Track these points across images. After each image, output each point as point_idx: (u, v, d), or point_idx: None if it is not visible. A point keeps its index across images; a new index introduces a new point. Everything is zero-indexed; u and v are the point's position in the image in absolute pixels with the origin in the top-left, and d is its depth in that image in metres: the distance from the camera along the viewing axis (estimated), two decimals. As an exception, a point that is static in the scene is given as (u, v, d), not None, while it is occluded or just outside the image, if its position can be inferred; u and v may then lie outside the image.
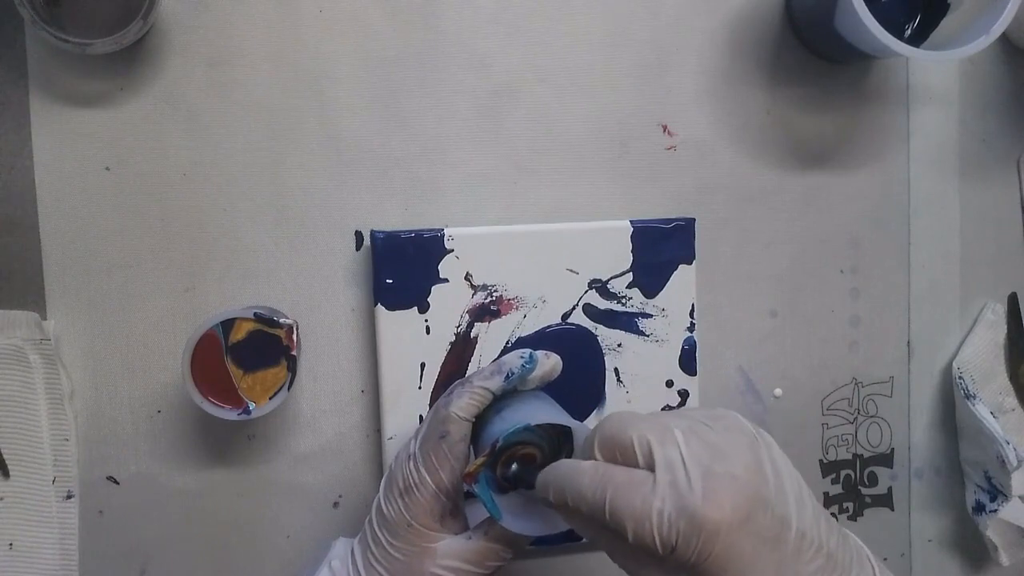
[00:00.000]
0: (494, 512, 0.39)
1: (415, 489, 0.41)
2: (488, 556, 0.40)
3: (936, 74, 0.58)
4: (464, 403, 0.41)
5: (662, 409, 0.53)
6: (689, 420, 0.35)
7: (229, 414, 0.44)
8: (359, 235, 0.51)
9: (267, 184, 0.50)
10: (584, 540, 0.51)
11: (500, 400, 0.43)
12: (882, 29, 0.46)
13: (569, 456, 0.42)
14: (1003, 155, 0.59)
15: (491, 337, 0.51)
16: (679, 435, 0.33)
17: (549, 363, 0.44)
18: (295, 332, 0.45)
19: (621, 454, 0.34)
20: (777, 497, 0.33)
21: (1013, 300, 0.60)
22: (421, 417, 0.50)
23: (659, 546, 0.31)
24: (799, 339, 0.57)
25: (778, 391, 0.57)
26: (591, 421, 0.52)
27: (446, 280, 0.50)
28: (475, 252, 0.50)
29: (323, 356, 0.51)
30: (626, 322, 0.52)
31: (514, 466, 0.41)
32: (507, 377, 0.42)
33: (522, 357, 0.43)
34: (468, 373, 0.50)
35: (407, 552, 0.40)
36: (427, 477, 0.41)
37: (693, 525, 0.31)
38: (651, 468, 0.33)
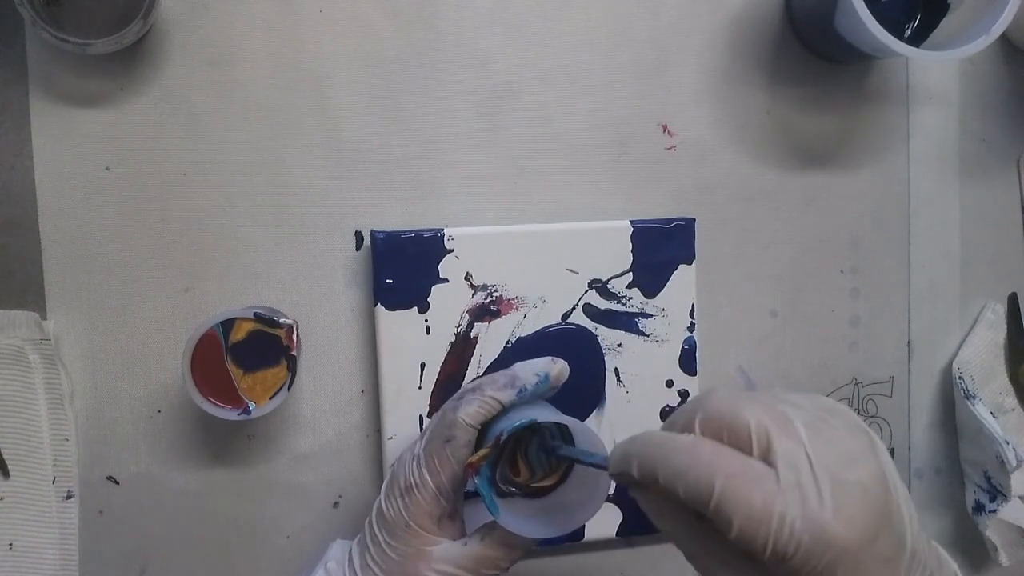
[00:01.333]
0: (491, 507, 0.39)
1: (415, 489, 0.41)
2: (483, 563, 0.41)
3: (936, 74, 0.58)
4: (473, 410, 0.41)
5: (663, 409, 0.53)
6: (806, 412, 0.30)
7: (229, 414, 0.44)
8: (359, 235, 0.51)
9: (267, 184, 0.50)
10: (586, 538, 0.52)
11: None
12: (882, 29, 0.46)
13: None
14: (1003, 155, 0.59)
15: (491, 337, 0.51)
16: (802, 430, 0.29)
17: (556, 368, 0.44)
18: (295, 332, 0.45)
19: (730, 438, 0.29)
20: (897, 513, 0.29)
21: (1013, 300, 0.60)
22: (421, 417, 0.50)
23: (770, 552, 0.27)
24: (799, 339, 0.57)
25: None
26: (591, 421, 0.52)
27: (446, 280, 0.50)
28: (475, 252, 0.50)
29: (323, 356, 0.51)
30: (626, 322, 0.52)
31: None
32: (520, 392, 0.42)
33: (537, 375, 0.43)
34: (471, 375, 0.50)
35: (403, 553, 0.40)
36: (428, 478, 0.41)
37: (821, 542, 0.27)
38: (767, 461, 0.28)
